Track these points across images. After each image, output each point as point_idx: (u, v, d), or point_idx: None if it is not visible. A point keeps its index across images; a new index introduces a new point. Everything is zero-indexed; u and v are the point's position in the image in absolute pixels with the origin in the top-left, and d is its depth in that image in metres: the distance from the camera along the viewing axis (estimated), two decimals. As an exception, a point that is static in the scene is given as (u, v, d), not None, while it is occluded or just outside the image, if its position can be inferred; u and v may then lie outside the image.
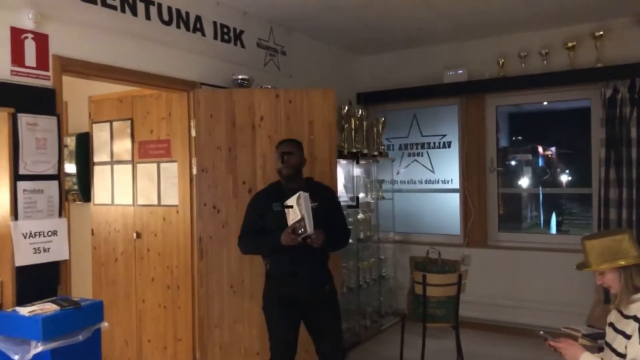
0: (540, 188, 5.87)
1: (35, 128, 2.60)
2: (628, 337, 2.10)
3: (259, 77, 4.04)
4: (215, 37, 3.80)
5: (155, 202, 3.88)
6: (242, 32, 4.02)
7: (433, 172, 5.37)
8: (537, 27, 4.67)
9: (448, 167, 5.29)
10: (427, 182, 5.40)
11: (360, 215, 4.78)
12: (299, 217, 2.65)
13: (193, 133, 3.62)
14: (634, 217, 4.21)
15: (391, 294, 5.24)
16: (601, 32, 4.40)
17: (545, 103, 5.10)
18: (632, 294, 2.20)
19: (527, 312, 4.67)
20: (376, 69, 5.58)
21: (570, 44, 4.55)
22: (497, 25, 4.65)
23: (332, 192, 3.21)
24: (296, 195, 2.69)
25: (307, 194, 2.68)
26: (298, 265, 2.84)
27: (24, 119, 2.57)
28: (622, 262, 2.17)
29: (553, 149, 7.12)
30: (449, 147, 5.30)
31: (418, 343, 3.73)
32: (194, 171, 3.61)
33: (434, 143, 5.38)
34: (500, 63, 4.86)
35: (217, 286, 3.54)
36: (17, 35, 2.58)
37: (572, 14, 4.34)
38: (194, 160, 3.62)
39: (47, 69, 2.70)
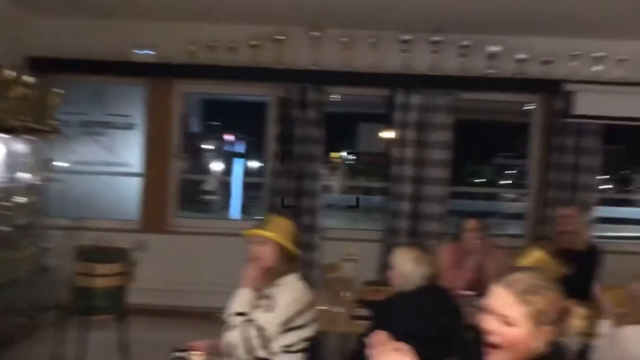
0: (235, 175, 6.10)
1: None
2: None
3: None
4: None
5: None
6: None
7: (114, 154, 5.07)
8: (225, 21, 4.82)
9: (130, 150, 5.07)
10: (107, 164, 5.06)
11: (21, 199, 4.16)
12: None
13: None
14: (295, 204, 4.77)
15: (54, 286, 4.73)
16: (281, 37, 4.80)
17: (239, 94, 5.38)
18: (279, 276, 2.41)
19: (206, 295, 4.80)
20: (57, 34, 4.91)
21: (254, 43, 4.83)
22: (188, 11, 4.64)
23: None
24: None
25: None
26: None
27: None
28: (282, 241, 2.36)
29: (232, 137, 7.52)
30: (133, 129, 5.08)
31: (81, 338, 3.44)
32: None
33: (117, 124, 5.08)
34: (191, 50, 4.86)
35: None
36: None
37: (257, 15, 4.63)
38: None
39: None
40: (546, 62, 4.73)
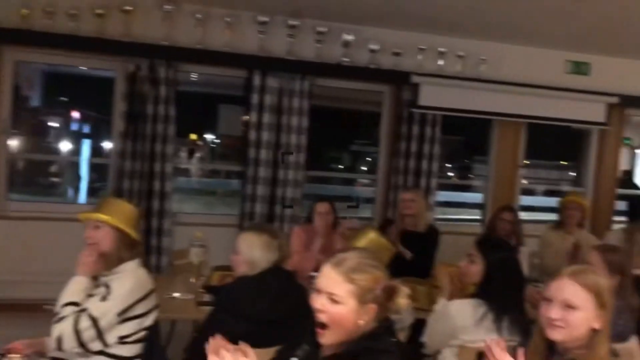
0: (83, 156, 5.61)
1: None
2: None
3: None
4: None
5: None
6: None
7: None
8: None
9: (-52, 124, 4.41)
10: None
11: None
12: None
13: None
14: (144, 188, 4.51)
15: None
16: (130, 8, 4.47)
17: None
18: (118, 263, 2.25)
19: (39, 286, 4.35)
20: None
21: (99, 12, 4.44)
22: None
23: None
24: None
25: None
26: None
27: None
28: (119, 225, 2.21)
29: (80, 115, 6.98)
30: (-49, 99, 4.43)
31: None
32: None
33: None
34: (24, 14, 4.32)
35: None
36: None
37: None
38: None
39: None
40: (396, 54, 4.97)
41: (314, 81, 4.83)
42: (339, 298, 1.52)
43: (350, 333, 1.53)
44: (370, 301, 1.53)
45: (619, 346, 2.17)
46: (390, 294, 1.59)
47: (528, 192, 7.54)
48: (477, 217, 5.77)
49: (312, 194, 5.42)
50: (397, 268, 3.24)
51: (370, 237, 2.64)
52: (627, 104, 5.49)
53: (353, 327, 1.52)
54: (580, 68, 5.44)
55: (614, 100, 5.37)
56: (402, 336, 2.70)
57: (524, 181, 6.20)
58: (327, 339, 1.55)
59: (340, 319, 1.51)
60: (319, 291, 1.56)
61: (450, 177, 12.19)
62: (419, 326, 2.70)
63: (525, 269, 3.72)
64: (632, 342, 2.58)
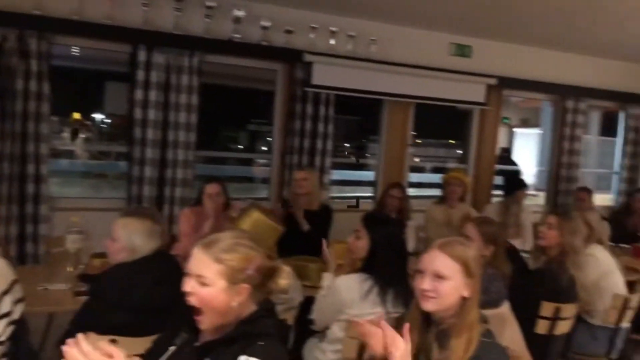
0: None
1: None
2: None
3: None
4: None
5: None
6: None
7: None
8: None
9: None
10: None
11: None
12: None
13: None
14: (16, 171, 4.14)
15: None
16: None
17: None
18: None
19: None
20: None
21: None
22: None
23: None
24: None
25: None
26: None
27: None
28: None
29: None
30: None
31: None
32: None
33: None
34: None
35: None
36: None
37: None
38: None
39: None
40: (288, 32, 4.91)
41: (204, 57, 4.64)
42: (207, 280, 1.47)
43: (226, 316, 1.49)
44: (241, 281, 1.49)
45: (490, 312, 2.32)
46: (267, 274, 1.56)
47: (417, 169, 7.90)
48: (370, 195, 5.93)
49: (206, 175, 5.26)
50: (290, 247, 3.26)
51: (255, 217, 2.59)
52: (505, 85, 5.86)
53: (226, 309, 1.48)
54: (463, 50, 5.71)
55: (493, 81, 5.71)
56: (291, 315, 2.71)
57: (416, 159, 6.45)
58: (204, 324, 1.50)
59: (211, 301, 1.46)
60: (189, 274, 1.50)
61: (349, 156, 12.46)
62: (310, 304, 2.72)
63: (412, 242, 3.90)
64: (503, 307, 2.78)
